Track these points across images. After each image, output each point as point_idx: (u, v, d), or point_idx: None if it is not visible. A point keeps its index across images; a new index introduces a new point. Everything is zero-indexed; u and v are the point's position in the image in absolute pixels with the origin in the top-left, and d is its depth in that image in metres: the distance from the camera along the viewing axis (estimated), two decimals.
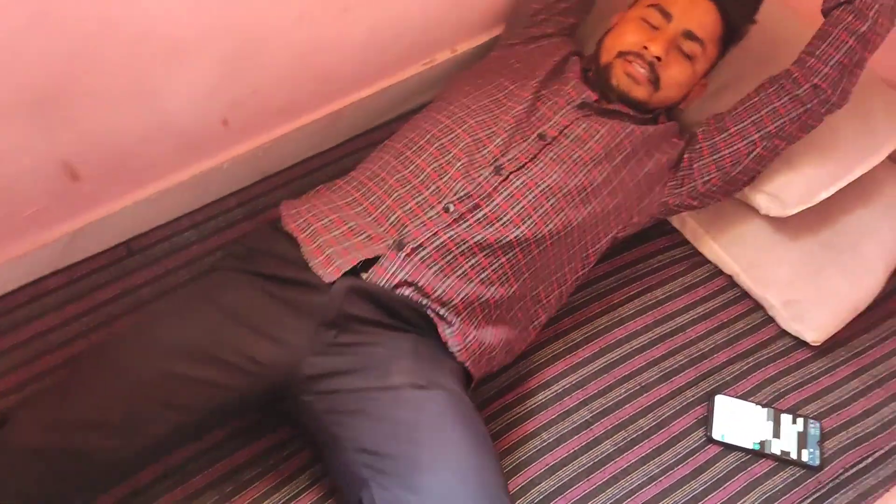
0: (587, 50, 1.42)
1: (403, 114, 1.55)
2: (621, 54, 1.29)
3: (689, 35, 1.28)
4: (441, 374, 1.10)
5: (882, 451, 1.29)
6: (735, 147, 1.29)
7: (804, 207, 1.34)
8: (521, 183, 1.18)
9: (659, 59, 1.26)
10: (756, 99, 1.28)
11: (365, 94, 1.47)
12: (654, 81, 1.28)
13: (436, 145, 1.21)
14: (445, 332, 1.12)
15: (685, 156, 1.33)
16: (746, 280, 1.41)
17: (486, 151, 1.20)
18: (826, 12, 1.25)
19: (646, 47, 1.27)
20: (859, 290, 1.37)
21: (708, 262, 1.46)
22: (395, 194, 1.17)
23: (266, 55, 1.26)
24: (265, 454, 1.19)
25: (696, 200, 1.35)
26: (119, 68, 1.12)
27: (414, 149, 1.22)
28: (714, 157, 1.30)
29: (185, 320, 1.08)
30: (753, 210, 1.39)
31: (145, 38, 1.11)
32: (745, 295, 1.42)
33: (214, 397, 1.06)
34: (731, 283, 1.44)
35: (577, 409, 1.29)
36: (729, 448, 1.28)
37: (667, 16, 1.28)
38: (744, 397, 1.32)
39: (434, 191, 1.16)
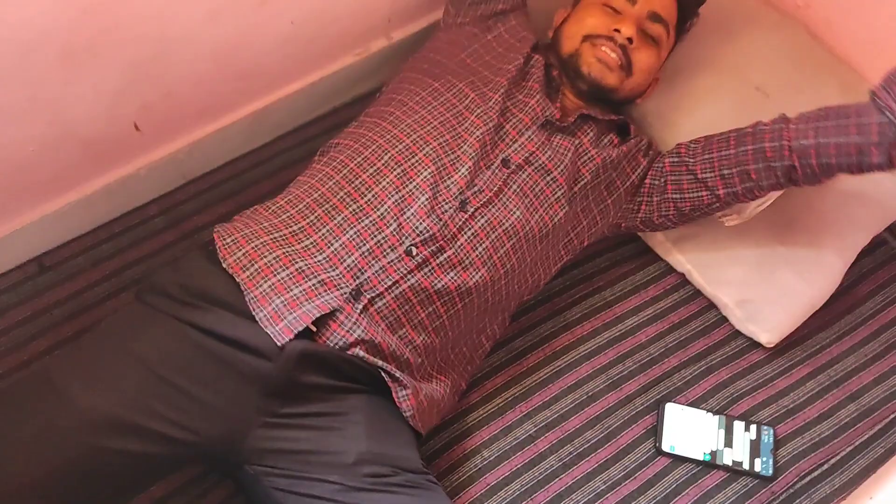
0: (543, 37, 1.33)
1: (338, 107, 1.46)
2: (588, 38, 1.21)
3: (655, 17, 1.22)
4: (397, 445, 1.04)
5: (838, 458, 1.24)
6: (699, 195, 1.23)
7: (762, 209, 1.27)
8: (486, 221, 1.09)
9: (631, 41, 1.19)
10: (732, 153, 1.18)
11: (292, 89, 1.38)
12: (626, 67, 1.21)
13: (396, 172, 1.08)
14: (399, 395, 1.05)
15: (647, 181, 1.25)
16: (698, 279, 1.34)
17: (451, 182, 1.09)
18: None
19: (616, 30, 1.19)
20: (815, 288, 1.30)
21: (659, 259, 1.39)
22: (352, 231, 1.05)
23: (176, 56, 1.17)
24: (184, 488, 1.13)
25: (648, 227, 1.29)
26: (11, 79, 1.02)
27: (370, 172, 1.09)
28: (675, 196, 1.24)
29: (107, 382, 0.95)
30: None
31: (38, 46, 1.02)
32: (698, 293, 1.36)
33: (145, 466, 0.98)
34: (684, 280, 1.37)
35: (521, 423, 1.23)
36: (679, 460, 1.22)
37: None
38: (695, 404, 1.27)
39: (395, 229, 1.05)
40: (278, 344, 0.97)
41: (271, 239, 1.06)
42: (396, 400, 1.05)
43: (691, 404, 1.26)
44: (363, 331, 1.02)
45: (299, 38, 1.30)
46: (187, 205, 1.34)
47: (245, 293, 1.01)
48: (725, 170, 1.19)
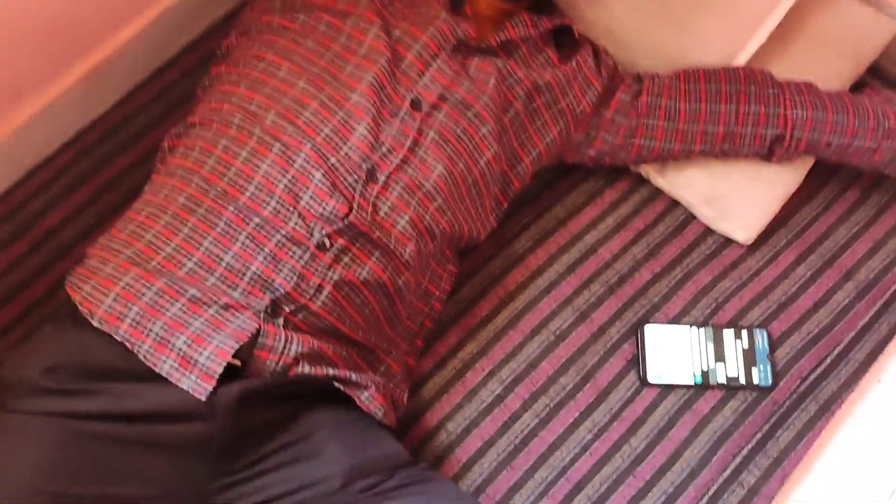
0: None
1: (195, 41, 1.18)
2: None
3: None
4: (378, 445, 0.88)
5: (840, 347, 1.10)
6: (670, 146, 1.05)
7: None
8: (403, 187, 0.88)
9: None
10: (723, 108, 1.04)
11: (131, 30, 1.09)
12: None
13: (275, 150, 0.85)
14: (363, 398, 0.87)
15: (607, 115, 1.05)
16: (658, 180, 1.15)
17: (348, 148, 0.86)
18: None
19: None
20: (789, 171, 1.12)
21: None
22: (242, 235, 0.83)
23: None
24: None
25: (595, 165, 1.09)
26: None
27: (244, 156, 0.85)
28: (644, 142, 1.05)
29: None
30: None
31: None
32: (659, 191, 1.17)
33: None
34: (641, 179, 1.17)
35: (485, 384, 1.06)
36: (668, 388, 1.08)
37: None
38: (676, 320, 1.11)
39: (297, 222, 0.83)
40: (202, 398, 0.77)
41: (143, 270, 0.82)
42: (361, 405, 0.87)
43: (672, 321, 1.10)
44: (298, 345, 0.82)
45: None
46: (32, 203, 1.08)
47: (134, 347, 0.79)
48: (710, 125, 1.00)
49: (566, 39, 1.05)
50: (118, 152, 1.12)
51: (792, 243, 1.16)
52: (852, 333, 1.11)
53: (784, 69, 1.13)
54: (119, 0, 1.05)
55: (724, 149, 1.06)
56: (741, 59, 1.11)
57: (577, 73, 1.02)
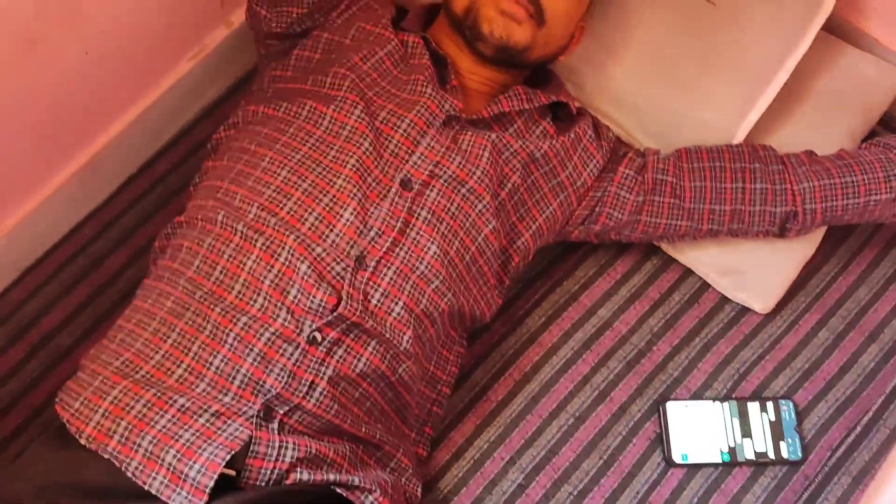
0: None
1: (186, 128, 1.15)
2: None
3: None
4: None
5: (869, 415, 1.07)
6: (677, 223, 1.02)
7: None
8: (395, 272, 0.85)
9: None
10: (729, 186, 1.00)
11: (119, 126, 1.06)
12: (537, 14, 0.92)
13: (259, 244, 0.82)
14: None
15: (612, 189, 1.01)
16: (670, 250, 1.11)
17: (335, 236, 0.83)
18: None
19: None
20: (804, 240, 1.09)
21: None
22: (230, 337, 0.80)
23: None
24: None
25: (601, 241, 1.05)
26: None
27: (228, 255, 0.83)
28: (649, 219, 1.02)
29: None
30: None
31: None
32: (672, 259, 1.13)
33: None
34: (652, 247, 1.14)
35: (505, 473, 1.02)
36: (695, 468, 1.04)
37: None
38: (699, 394, 1.07)
39: (286, 318, 0.80)
40: None
41: (132, 382, 0.79)
42: None
43: (694, 396, 1.07)
44: (293, 450, 0.78)
45: (104, 67, 0.98)
46: (28, 306, 1.05)
47: (123, 464, 0.75)
48: (717, 204, 0.96)
49: (564, 114, 1.02)
50: (113, 248, 1.09)
51: (812, 307, 1.12)
52: (881, 399, 1.08)
53: (794, 130, 1.11)
54: (107, 98, 1.02)
55: (734, 228, 1.03)
56: (751, 118, 1.08)
57: (576, 145, 1.00)
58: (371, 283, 0.84)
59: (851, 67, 1.15)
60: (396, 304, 0.85)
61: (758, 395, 1.07)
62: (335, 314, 0.81)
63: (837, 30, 1.19)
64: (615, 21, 1.09)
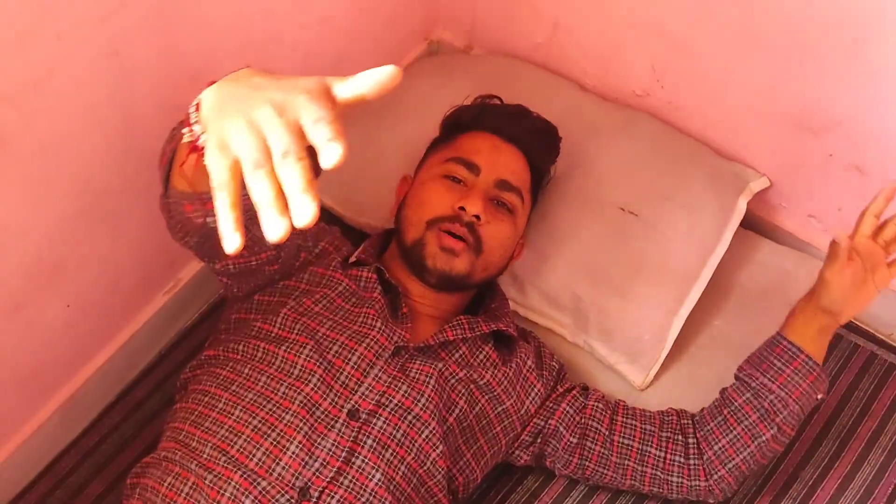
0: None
1: (162, 353, 1.23)
2: (432, 223, 1.03)
3: (504, 185, 1.06)
4: None
5: None
6: (603, 472, 1.08)
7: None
8: (339, 499, 0.89)
9: (478, 217, 1.02)
10: (654, 451, 1.06)
11: (99, 361, 1.14)
12: (476, 246, 1.03)
13: (207, 481, 0.88)
14: None
15: (552, 423, 1.07)
16: None
17: (281, 469, 0.88)
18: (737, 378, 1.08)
19: (462, 207, 1.02)
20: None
21: None
22: None
23: None
24: None
25: (537, 463, 1.12)
26: None
27: (185, 494, 0.88)
28: (580, 460, 1.08)
29: None
30: None
31: None
32: None
33: None
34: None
35: None
36: None
37: (473, 168, 1.06)
38: None
39: None
40: None
41: None
42: None
43: None
44: None
45: (84, 316, 1.06)
46: None
47: None
48: (639, 465, 1.06)
49: (506, 337, 1.09)
50: (91, 478, 1.13)
51: (763, 489, 1.17)
52: None
53: (725, 323, 1.20)
54: (87, 341, 1.10)
55: (654, 491, 1.08)
56: (682, 315, 1.17)
57: (517, 375, 1.06)
58: None
59: (769, 261, 1.26)
60: None
61: None
62: None
63: (755, 225, 1.31)
64: (550, 234, 1.20)
